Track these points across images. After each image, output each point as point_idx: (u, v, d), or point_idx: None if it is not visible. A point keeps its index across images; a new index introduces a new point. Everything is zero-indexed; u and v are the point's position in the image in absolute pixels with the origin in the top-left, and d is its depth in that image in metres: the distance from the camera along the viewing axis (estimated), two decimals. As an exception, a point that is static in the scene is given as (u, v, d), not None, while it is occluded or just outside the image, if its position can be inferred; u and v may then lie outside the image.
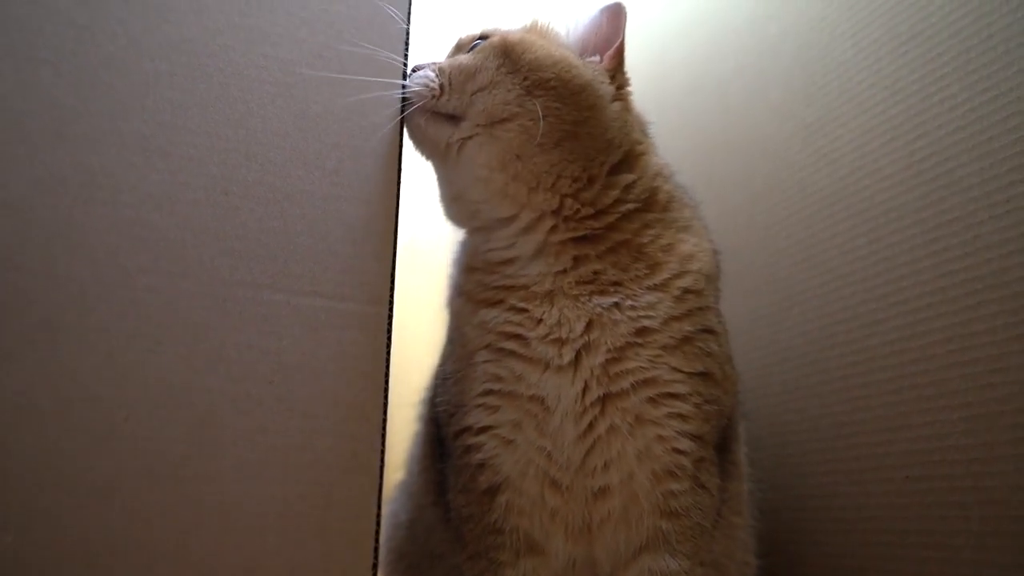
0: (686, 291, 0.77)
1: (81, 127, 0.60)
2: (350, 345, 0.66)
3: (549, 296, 0.76)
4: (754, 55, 1.17)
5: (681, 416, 0.75)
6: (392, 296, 0.68)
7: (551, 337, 0.75)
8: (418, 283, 1.07)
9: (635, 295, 0.76)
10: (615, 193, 0.79)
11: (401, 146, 0.71)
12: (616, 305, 0.75)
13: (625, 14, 0.84)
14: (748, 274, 1.14)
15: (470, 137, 0.77)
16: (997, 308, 0.79)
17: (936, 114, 0.88)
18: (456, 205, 0.83)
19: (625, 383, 0.74)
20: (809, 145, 1.05)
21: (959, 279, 0.83)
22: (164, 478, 0.59)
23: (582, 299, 0.76)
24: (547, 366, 0.75)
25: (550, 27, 0.85)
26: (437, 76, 0.77)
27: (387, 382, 0.67)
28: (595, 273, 0.77)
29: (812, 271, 1.03)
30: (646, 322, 0.75)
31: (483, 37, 0.82)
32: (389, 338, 0.67)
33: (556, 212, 0.77)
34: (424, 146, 0.80)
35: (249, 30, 0.67)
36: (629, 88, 0.85)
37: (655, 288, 0.77)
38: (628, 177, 0.80)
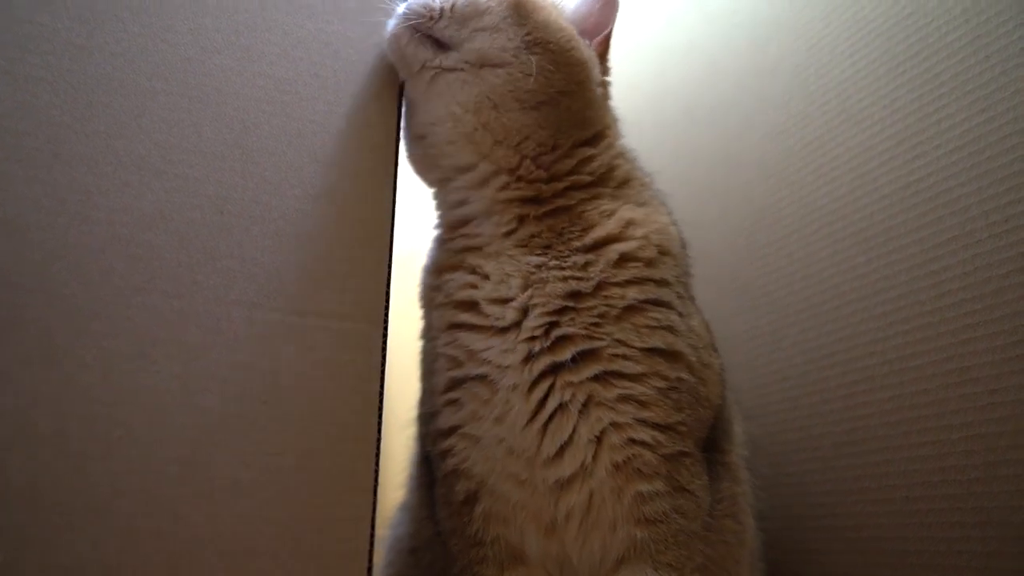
0: (625, 256, 0.75)
1: (78, 146, 0.60)
2: (344, 364, 0.66)
3: (496, 256, 0.76)
4: (753, 75, 1.17)
5: (637, 401, 0.72)
6: (387, 315, 0.68)
7: (494, 296, 0.74)
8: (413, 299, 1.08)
9: (562, 255, 0.75)
10: (571, 163, 0.79)
11: (396, 167, 0.72)
12: (543, 265, 0.74)
13: (617, 5, 0.85)
14: (748, 292, 1.13)
15: (453, 70, 0.76)
16: (996, 328, 0.79)
17: (934, 134, 0.88)
18: (418, 146, 0.81)
19: (568, 351, 0.72)
20: (808, 164, 1.05)
21: (958, 298, 0.83)
22: (158, 497, 0.59)
23: (517, 258, 0.75)
24: (492, 330, 0.74)
25: None
26: (441, 1, 0.77)
27: (381, 401, 0.67)
28: (531, 236, 0.76)
29: (812, 289, 1.03)
30: (574, 284, 0.73)
31: None
32: (383, 357, 0.67)
33: (512, 171, 0.78)
34: (399, 61, 0.77)
35: (245, 49, 0.67)
36: (609, 78, 0.87)
37: (585, 250, 0.75)
38: (588, 151, 0.80)
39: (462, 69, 0.76)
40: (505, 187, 0.78)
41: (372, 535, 0.66)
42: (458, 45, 0.77)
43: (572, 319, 0.73)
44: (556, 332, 0.72)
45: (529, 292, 0.73)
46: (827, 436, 0.98)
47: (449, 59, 0.76)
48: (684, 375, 0.74)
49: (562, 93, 0.78)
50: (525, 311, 0.73)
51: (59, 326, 0.58)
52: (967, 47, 0.85)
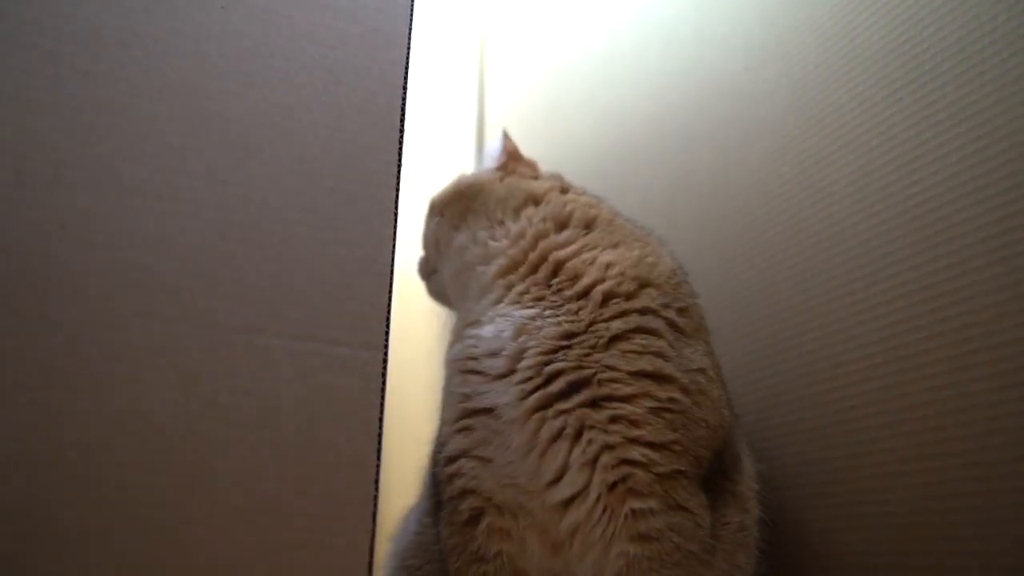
0: (608, 295, 0.81)
1: (79, 171, 0.60)
2: (344, 390, 0.66)
3: (491, 319, 0.83)
4: (750, 99, 1.18)
5: (629, 421, 0.75)
6: (387, 341, 0.68)
7: (489, 349, 0.81)
8: (413, 325, 1.11)
9: (557, 304, 0.82)
10: (523, 223, 0.90)
11: (398, 191, 0.72)
12: (539, 315, 0.81)
13: (508, 139, 1.06)
14: (746, 316, 1.13)
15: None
16: (995, 354, 0.79)
17: (931, 160, 0.88)
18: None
19: (560, 384, 0.76)
20: (806, 189, 1.06)
21: (956, 324, 0.83)
22: (155, 525, 0.59)
23: (510, 315, 0.82)
24: (492, 376, 0.80)
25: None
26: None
27: (381, 427, 0.67)
28: (520, 295, 0.84)
29: (809, 314, 1.03)
30: (568, 326, 0.79)
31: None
32: (383, 383, 0.67)
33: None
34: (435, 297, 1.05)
35: (247, 75, 0.67)
36: (522, 167, 1.03)
37: (577, 297, 0.82)
38: (531, 210, 0.92)
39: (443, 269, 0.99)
40: (484, 271, 0.90)
41: (371, 561, 0.65)
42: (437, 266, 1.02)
43: (565, 354, 0.78)
44: (548, 368, 0.77)
45: (523, 339, 0.80)
46: (826, 461, 0.98)
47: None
48: (676, 395, 0.77)
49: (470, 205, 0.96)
50: (520, 356, 0.79)
51: (57, 352, 0.58)
52: (963, 75, 0.86)
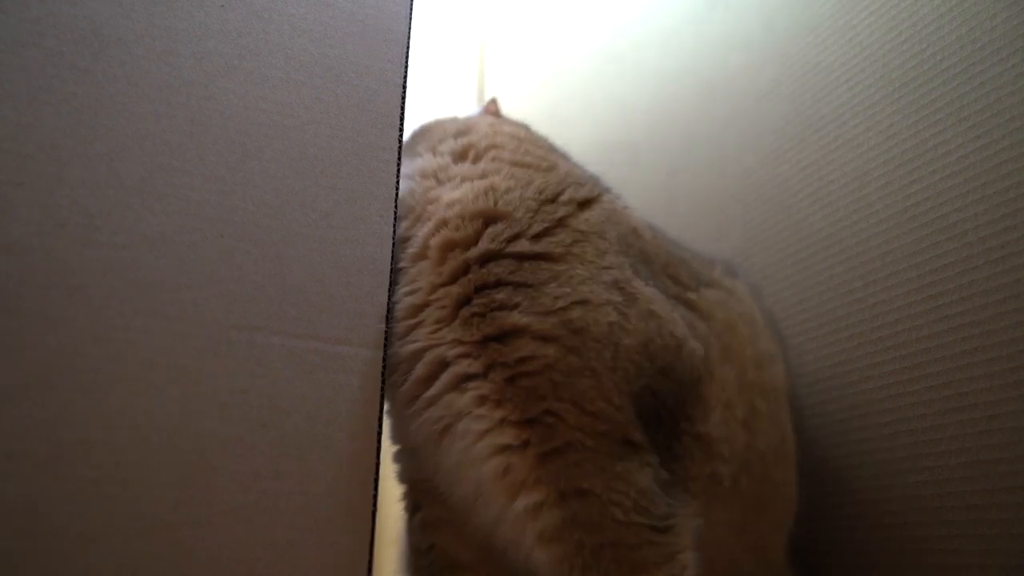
0: (444, 247, 0.68)
1: (80, 170, 0.60)
2: (344, 389, 0.65)
3: None
4: (750, 100, 1.18)
5: (491, 400, 0.63)
6: (386, 339, 0.68)
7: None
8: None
9: (404, 270, 0.70)
10: (427, 158, 0.78)
11: (397, 191, 0.72)
12: (395, 297, 0.69)
13: (494, 102, 0.94)
14: (745, 316, 1.13)
15: None
16: (994, 353, 0.79)
17: (930, 159, 0.88)
18: None
19: (419, 370, 0.66)
20: (805, 188, 1.06)
21: (955, 323, 0.83)
22: (155, 523, 0.58)
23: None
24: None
25: None
26: None
27: (380, 425, 0.67)
28: (396, 262, 0.71)
29: (807, 314, 1.03)
30: (410, 298, 0.68)
31: None
32: (383, 381, 0.67)
33: None
34: None
35: (248, 73, 0.67)
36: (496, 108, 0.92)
37: (418, 257, 0.70)
38: (449, 143, 0.78)
39: None
40: None
41: (371, 560, 0.65)
42: None
43: (417, 336, 0.67)
44: (402, 352, 0.67)
45: (383, 325, 0.67)
46: (826, 460, 0.98)
47: None
48: (532, 351, 0.62)
49: None
50: (384, 346, 0.67)
51: (58, 350, 0.58)
52: (962, 74, 0.86)
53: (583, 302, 0.64)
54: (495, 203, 0.69)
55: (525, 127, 0.86)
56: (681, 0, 1.37)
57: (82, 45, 0.62)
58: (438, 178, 0.74)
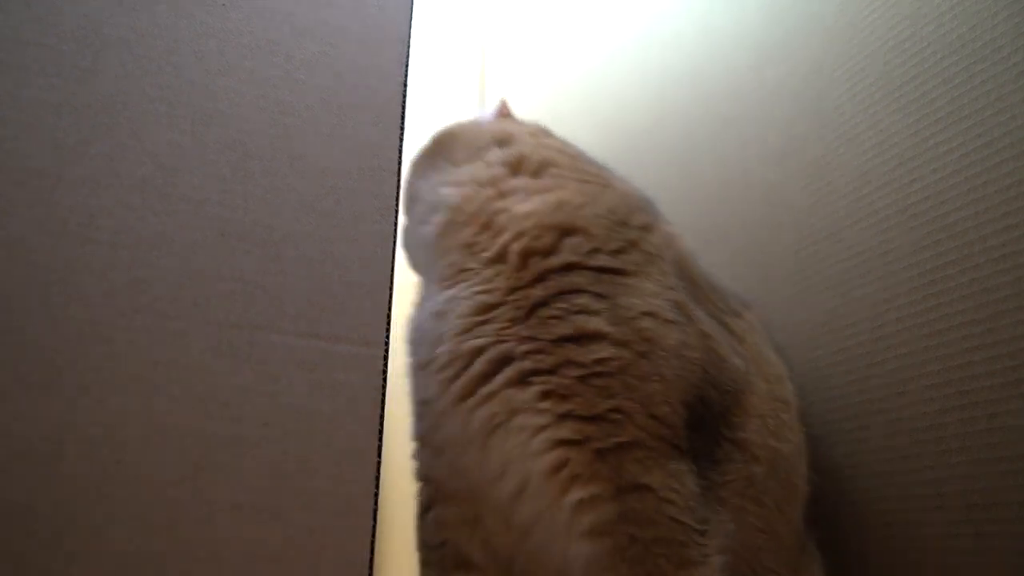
0: (525, 253, 0.71)
1: (81, 169, 0.60)
2: (345, 387, 0.66)
3: (422, 300, 0.79)
4: (753, 99, 1.18)
5: (558, 395, 0.65)
6: (388, 338, 0.68)
7: (412, 337, 0.77)
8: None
9: (476, 272, 0.72)
10: (477, 167, 0.81)
11: (398, 188, 0.72)
12: (455, 296, 0.72)
13: (504, 104, 0.96)
14: (745, 315, 1.13)
15: None
16: (995, 352, 0.79)
17: (931, 159, 0.88)
18: None
19: (481, 364, 0.68)
20: (806, 188, 1.06)
21: (955, 322, 0.83)
22: (158, 520, 0.59)
23: (433, 299, 0.75)
24: (419, 366, 0.75)
25: None
26: None
27: (382, 425, 0.67)
28: (450, 265, 0.75)
29: (808, 312, 1.03)
30: (483, 297, 0.70)
31: None
32: (384, 379, 0.67)
33: None
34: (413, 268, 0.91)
35: (249, 72, 0.67)
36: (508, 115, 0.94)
37: (494, 261, 0.72)
38: (495, 152, 0.81)
39: None
40: None
41: (372, 557, 0.65)
42: None
43: (482, 330, 0.69)
44: (464, 347, 0.69)
45: (438, 324, 0.72)
46: (827, 459, 0.98)
47: None
48: (608, 354, 0.66)
49: None
50: (439, 343, 0.72)
51: (59, 349, 0.58)
52: (963, 73, 0.86)
53: (652, 314, 0.70)
54: (573, 216, 0.73)
55: (547, 131, 0.90)
56: (682, 0, 1.37)
57: (83, 44, 0.62)
58: (499, 188, 0.78)
